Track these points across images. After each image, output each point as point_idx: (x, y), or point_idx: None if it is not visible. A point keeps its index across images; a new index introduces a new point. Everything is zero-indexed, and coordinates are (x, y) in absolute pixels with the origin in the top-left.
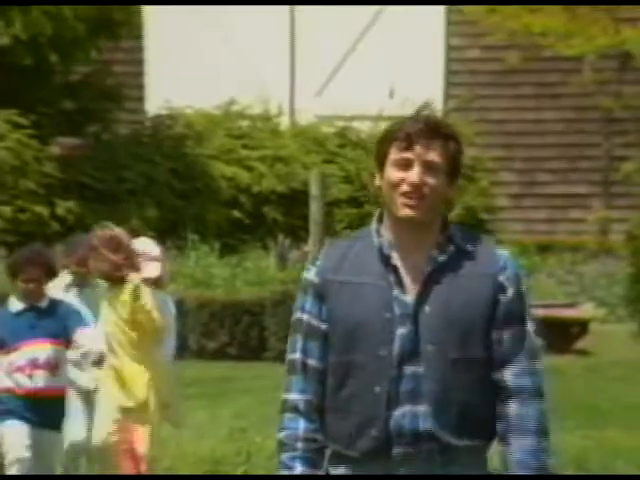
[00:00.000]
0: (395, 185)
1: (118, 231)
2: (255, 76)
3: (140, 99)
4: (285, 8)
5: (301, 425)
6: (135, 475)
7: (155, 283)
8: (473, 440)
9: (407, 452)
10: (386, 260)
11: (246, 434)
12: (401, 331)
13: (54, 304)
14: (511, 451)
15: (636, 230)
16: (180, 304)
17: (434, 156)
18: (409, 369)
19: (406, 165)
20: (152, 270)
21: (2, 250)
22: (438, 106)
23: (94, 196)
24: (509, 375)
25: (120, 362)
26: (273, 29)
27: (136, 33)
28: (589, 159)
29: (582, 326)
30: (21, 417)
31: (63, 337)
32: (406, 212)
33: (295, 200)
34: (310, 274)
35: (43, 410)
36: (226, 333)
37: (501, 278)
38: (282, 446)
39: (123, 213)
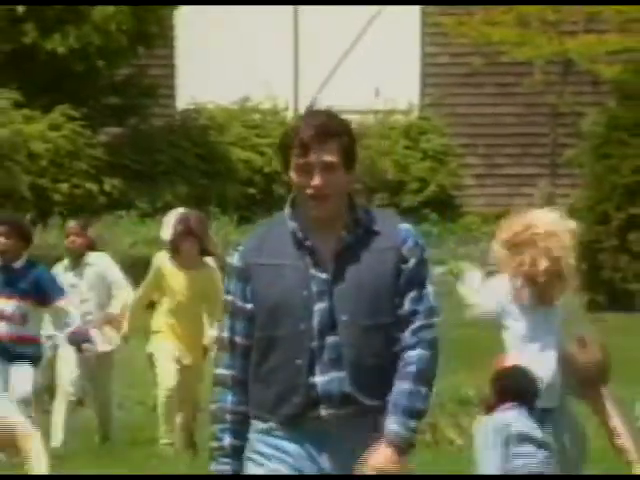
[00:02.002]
0: (301, 188)
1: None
2: (265, 77)
3: (171, 96)
4: (290, 20)
5: (229, 398)
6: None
7: None
8: (383, 400)
9: (335, 414)
10: (300, 243)
11: None
12: (319, 306)
13: (30, 266)
14: (396, 392)
15: (577, 204)
16: None
17: (330, 157)
18: (330, 339)
19: (306, 170)
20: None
21: (58, 219)
22: (415, 102)
23: (134, 175)
24: (408, 332)
25: (187, 327)
26: (279, 40)
27: (168, 43)
28: (538, 146)
29: None
30: None
31: (33, 295)
32: (314, 213)
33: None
34: (234, 259)
35: (9, 352)
36: None
37: (403, 250)
38: (214, 418)
39: (158, 190)
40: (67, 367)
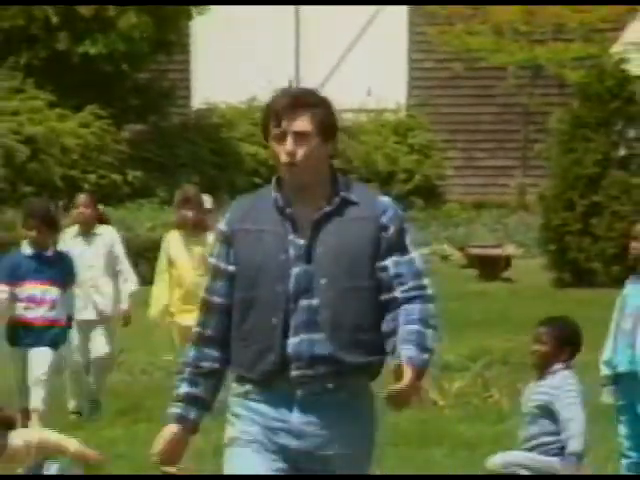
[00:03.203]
0: (277, 155)
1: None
2: (270, 79)
3: (187, 97)
4: (292, 28)
5: (191, 354)
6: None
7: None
8: (364, 357)
9: (304, 374)
10: (281, 210)
11: None
12: (296, 270)
13: (59, 254)
14: (397, 338)
15: (545, 192)
16: None
17: (301, 126)
18: (304, 302)
19: (281, 138)
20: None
21: None
22: (403, 102)
23: (154, 167)
24: (399, 293)
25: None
26: (283, 48)
27: (185, 50)
28: (511, 141)
29: (506, 261)
30: (21, 343)
31: (61, 282)
32: (287, 177)
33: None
34: (221, 225)
35: (38, 334)
36: None
37: (383, 219)
38: (178, 370)
39: (175, 180)
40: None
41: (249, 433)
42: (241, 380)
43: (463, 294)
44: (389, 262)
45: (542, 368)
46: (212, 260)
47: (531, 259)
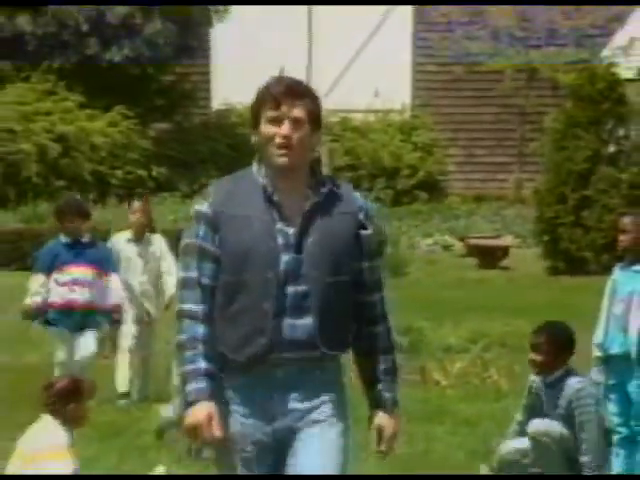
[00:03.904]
0: (270, 138)
1: None
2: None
3: (207, 98)
4: (305, 35)
5: (200, 330)
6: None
7: None
8: (338, 350)
9: (285, 357)
10: (269, 198)
11: None
12: (285, 257)
13: (93, 241)
14: (378, 363)
15: (540, 187)
16: None
17: (298, 112)
18: (291, 289)
19: (277, 121)
20: None
21: (115, 200)
22: (408, 103)
23: (177, 163)
24: (379, 300)
25: None
26: (296, 53)
27: (206, 54)
28: (509, 139)
29: (504, 251)
30: (62, 324)
31: (97, 266)
32: (281, 160)
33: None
34: (203, 207)
35: (79, 317)
36: None
37: (360, 216)
38: (183, 346)
39: (196, 175)
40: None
41: (238, 433)
42: (223, 365)
43: (464, 281)
44: (367, 265)
45: (542, 375)
46: (196, 241)
47: (527, 249)
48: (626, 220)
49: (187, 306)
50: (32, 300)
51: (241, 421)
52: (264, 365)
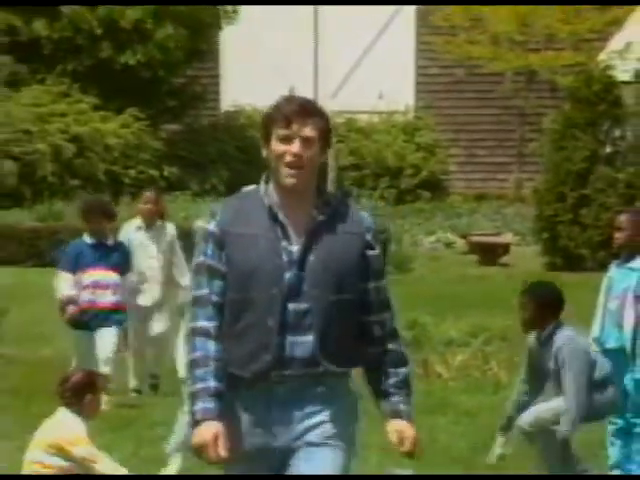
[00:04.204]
0: (280, 156)
1: None
2: (291, 84)
3: (217, 100)
4: (311, 39)
5: (211, 347)
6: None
7: None
8: (342, 364)
9: (285, 374)
10: (274, 217)
11: None
12: (288, 275)
13: (118, 244)
14: (390, 377)
15: (539, 186)
16: None
17: (309, 132)
18: (292, 306)
19: (288, 140)
20: None
21: (128, 198)
22: (411, 105)
23: (187, 163)
24: (388, 319)
25: None
26: (303, 56)
27: (215, 58)
28: (509, 140)
29: (504, 248)
30: (85, 325)
31: (120, 268)
32: (290, 181)
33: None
34: (211, 226)
35: (102, 317)
36: None
37: (367, 237)
38: (195, 364)
39: (206, 175)
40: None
41: (240, 445)
42: (231, 382)
43: (465, 277)
44: (373, 285)
45: (535, 333)
46: (206, 260)
47: (526, 246)
48: (622, 218)
49: (200, 324)
50: (63, 295)
51: (243, 434)
52: (266, 382)
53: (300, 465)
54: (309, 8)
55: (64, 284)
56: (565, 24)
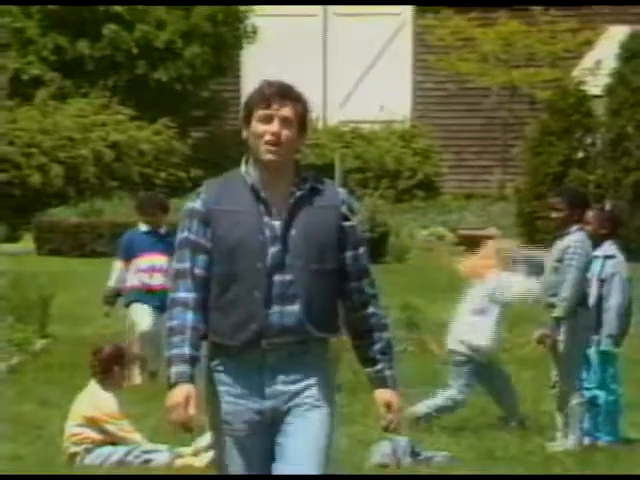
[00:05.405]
0: (260, 135)
1: None
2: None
3: (238, 111)
4: (320, 53)
5: (189, 317)
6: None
7: None
8: (326, 331)
9: (274, 342)
10: (256, 194)
11: None
12: (272, 249)
13: (170, 231)
14: (374, 342)
15: (520, 187)
16: None
17: (287, 112)
18: (277, 278)
19: (267, 120)
20: None
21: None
22: (408, 115)
23: (211, 166)
24: (366, 285)
25: None
26: (313, 70)
27: (236, 73)
28: (493, 146)
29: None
30: (147, 303)
31: (172, 254)
32: (269, 157)
33: (325, 169)
34: (196, 204)
35: (159, 298)
36: None
37: (343, 209)
38: (172, 331)
39: None
40: None
41: (230, 414)
42: (216, 351)
43: (455, 266)
44: (351, 254)
45: (561, 231)
46: (190, 236)
47: (508, 239)
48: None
49: (179, 294)
50: (108, 287)
51: (233, 401)
52: (256, 350)
53: (294, 423)
54: (319, 28)
55: (113, 274)
56: (544, 44)
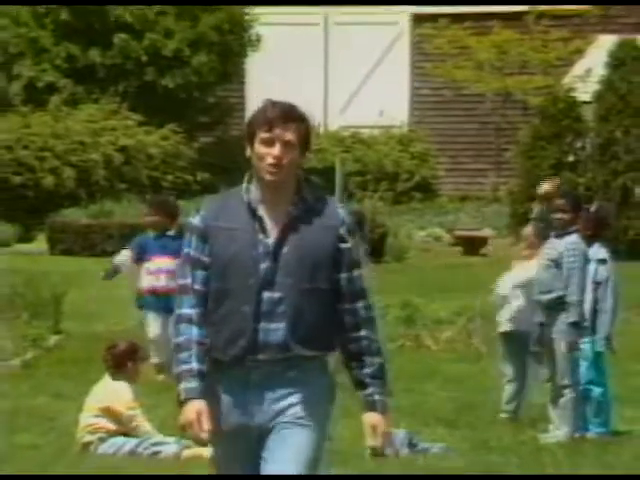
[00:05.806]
0: (262, 158)
1: None
2: (305, 103)
3: (243, 117)
4: (321, 62)
5: (194, 332)
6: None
7: None
8: (314, 351)
9: (259, 359)
10: (253, 212)
11: None
12: (263, 266)
13: (180, 234)
14: (365, 366)
15: (513, 188)
16: None
17: (290, 136)
18: (267, 295)
19: (269, 143)
20: None
21: None
22: (406, 120)
23: (218, 170)
24: (360, 308)
25: None
26: (315, 79)
27: (241, 80)
28: (488, 150)
29: (484, 241)
30: (154, 308)
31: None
32: (269, 177)
33: (326, 173)
34: (195, 220)
35: (163, 301)
36: None
37: (341, 230)
38: (179, 347)
39: (234, 180)
40: None
41: (221, 426)
42: (212, 365)
43: (451, 265)
44: (345, 276)
45: (563, 231)
46: (190, 251)
47: (502, 239)
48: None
49: (183, 310)
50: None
51: (224, 415)
52: (242, 366)
53: (274, 443)
54: (320, 37)
55: (119, 256)
56: (536, 53)
